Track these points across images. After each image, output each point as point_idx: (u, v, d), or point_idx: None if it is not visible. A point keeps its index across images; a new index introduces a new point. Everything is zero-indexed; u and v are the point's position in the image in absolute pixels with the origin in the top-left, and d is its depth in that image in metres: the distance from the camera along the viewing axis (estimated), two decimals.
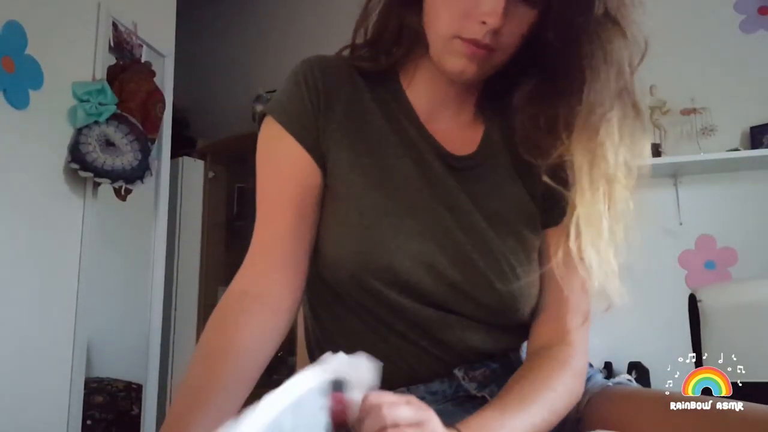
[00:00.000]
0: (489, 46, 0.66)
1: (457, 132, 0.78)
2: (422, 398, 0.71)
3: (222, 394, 0.60)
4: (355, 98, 0.75)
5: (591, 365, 0.85)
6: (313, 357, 0.80)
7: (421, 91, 0.77)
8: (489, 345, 0.74)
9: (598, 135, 0.64)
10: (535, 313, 0.76)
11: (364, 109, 0.75)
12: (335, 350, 0.75)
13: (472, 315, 0.72)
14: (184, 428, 0.57)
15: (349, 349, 0.74)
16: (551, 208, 0.75)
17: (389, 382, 0.72)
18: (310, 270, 0.73)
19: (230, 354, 0.62)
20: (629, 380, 0.84)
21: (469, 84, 0.75)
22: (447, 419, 0.72)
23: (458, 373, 0.72)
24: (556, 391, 0.66)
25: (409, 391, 0.72)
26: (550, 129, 0.69)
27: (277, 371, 0.69)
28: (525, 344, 0.78)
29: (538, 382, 0.65)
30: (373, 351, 0.72)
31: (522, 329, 0.76)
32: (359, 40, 0.78)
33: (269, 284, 0.68)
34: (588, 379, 0.80)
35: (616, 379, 0.83)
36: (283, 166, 0.72)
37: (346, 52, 0.79)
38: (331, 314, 0.77)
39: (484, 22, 0.64)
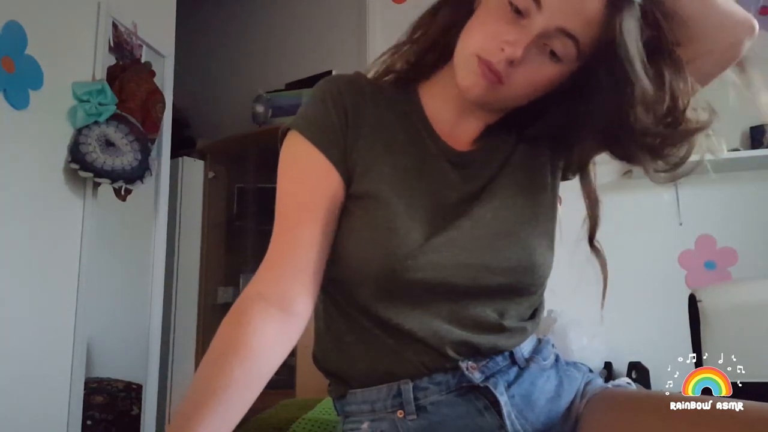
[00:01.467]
0: (499, 75, 0.70)
1: (468, 135, 0.82)
2: (426, 389, 0.73)
3: (232, 396, 0.61)
4: (379, 114, 0.79)
5: (590, 370, 0.86)
6: (322, 354, 0.82)
7: (441, 102, 0.81)
8: (498, 342, 0.76)
9: None
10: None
11: (387, 124, 0.79)
12: (345, 347, 0.77)
13: (488, 297, 0.75)
14: (192, 427, 0.58)
15: (358, 345, 0.75)
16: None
17: (395, 375, 0.74)
18: (324, 273, 0.75)
19: (244, 356, 0.63)
20: (628, 383, 0.85)
21: (477, 104, 0.78)
22: (450, 409, 0.73)
23: (462, 364, 0.74)
24: None
25: (413, 383, 0.74)
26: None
27: (277, 371, 0.71)
28: (525, 343, 0.79)
29: None
30: (383, 347, 0.74)
31: (522, 330, 0.79)
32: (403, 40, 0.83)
33: (286, 289, 0.70)
34: (588, 383, 0.81)
35: (616, 382, 0.84)
36: (308, 177, 0.75)
37: (380, 62, 0.84)
38: (343, 313, 0.79)
39: (503, 49, 0.68)
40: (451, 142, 0.80)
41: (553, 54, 0.69)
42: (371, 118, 0.78)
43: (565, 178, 0.87)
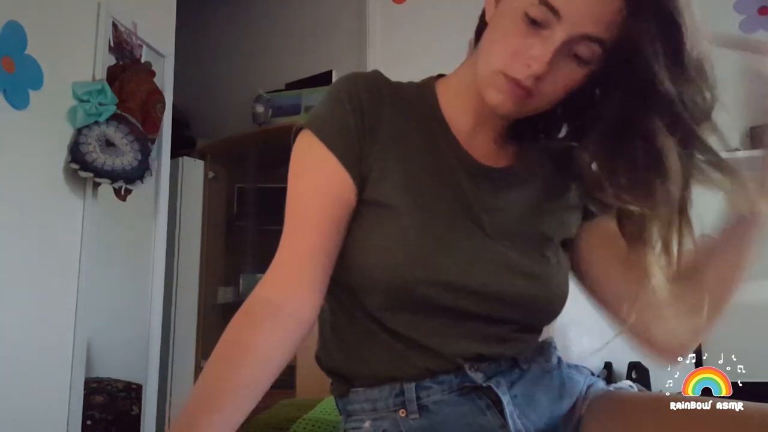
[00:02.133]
0: (528, 90, 0.68)
1: (493, 146, 0.81)
2: (429, 388, 0.73)
3: (236, 398, 0.62)
4: (397, 118, 0.77)
5: (592, 373, 0.86)
6: (325, 354, 0.82)
7: (460, 109, 0.79)
8: (504, 351, 0.76)
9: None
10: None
11: (405, 129, 0.77)
12: (350, 349, 0.77)
13: (500, 318, 0.75)
14: (195, 429, 0.58)
15: (363, 348, 0.75)
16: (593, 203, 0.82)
17: (398, 377, 0.74)
18: (332, 277, 0.75)
19: (249, 359, 0.64)
20: (630, 386, 0.85)
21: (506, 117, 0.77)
22: (453, 409, 0.73)
23: (465, 365, 0.74)
24: None
25: (416, 383, 0.74)
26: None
27: None
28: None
29: None
30: (388, 350, 0.74)
31: (525, 340, 0.79)
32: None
33: (294, 295, 0.69)
34: (590, 386, 0.81)
35: (617, 385, 0.84)
36: (320, 180, 0.73)
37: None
38: (348, 316, 0.78)
39: (529, 65, 0.66)
40: (469, 149, 0.78)
41: (578, 57, 0.67)
42: (389, 121, 0.76)
43: (588, 215, 0.84)
